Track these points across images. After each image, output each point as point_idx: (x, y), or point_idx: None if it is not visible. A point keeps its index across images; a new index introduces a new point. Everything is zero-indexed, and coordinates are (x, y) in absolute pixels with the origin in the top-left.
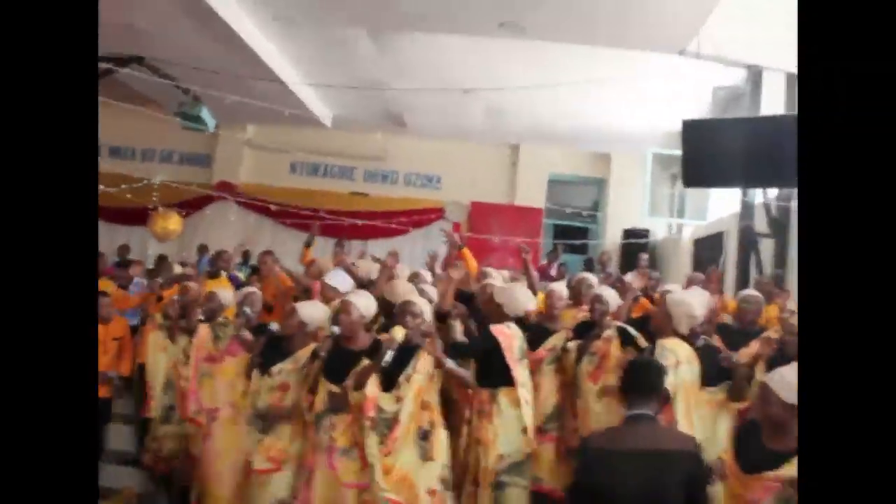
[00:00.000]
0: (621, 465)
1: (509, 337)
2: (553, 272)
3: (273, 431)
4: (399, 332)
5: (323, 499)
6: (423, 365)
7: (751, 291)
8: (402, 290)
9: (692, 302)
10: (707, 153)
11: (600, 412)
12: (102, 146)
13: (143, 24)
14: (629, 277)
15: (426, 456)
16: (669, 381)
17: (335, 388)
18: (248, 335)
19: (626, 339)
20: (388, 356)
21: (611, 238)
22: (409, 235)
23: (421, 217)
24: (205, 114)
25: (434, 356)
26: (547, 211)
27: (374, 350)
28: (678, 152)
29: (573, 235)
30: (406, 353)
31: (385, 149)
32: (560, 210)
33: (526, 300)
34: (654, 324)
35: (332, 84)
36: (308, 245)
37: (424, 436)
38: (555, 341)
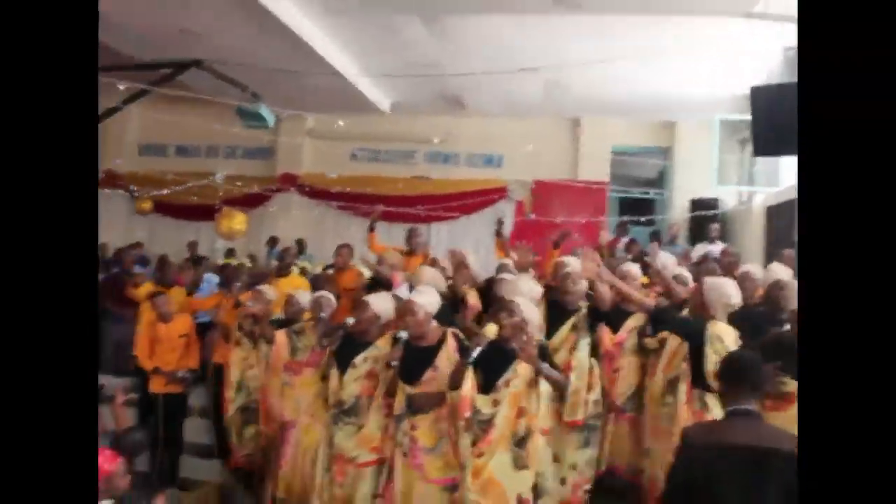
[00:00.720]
0: (722, 460)
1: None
2: (622, 247)
3: (367, 424)
4: (492, 329)
5: (404, 495)
6: (523, 370)
7: None
8: (430, 277)
9: (728, 289)
10: (778, 119)
11: (670, 402)
12: (169, 146)
13: (199, 27)
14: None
15: (520, 463)
16: (713, 367)
17: (412, 390)
18: (327, 340)
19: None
20: (476, 352)
21: (679, 209)
22: (473, 217)
23: (484, 198)
24: (264, 111)
25: (530, 362)
26: (612, 184)
27: (443, 343)
28: (746, 117)
29: (640, 208)
30: (506, 356)
31: (445, 130)
32: (625, 182)
33: (530, 291)
34: (693, 310)
35: (388, 73)
36: (372, 229)
37: (520, 443)
38: (633, 323)
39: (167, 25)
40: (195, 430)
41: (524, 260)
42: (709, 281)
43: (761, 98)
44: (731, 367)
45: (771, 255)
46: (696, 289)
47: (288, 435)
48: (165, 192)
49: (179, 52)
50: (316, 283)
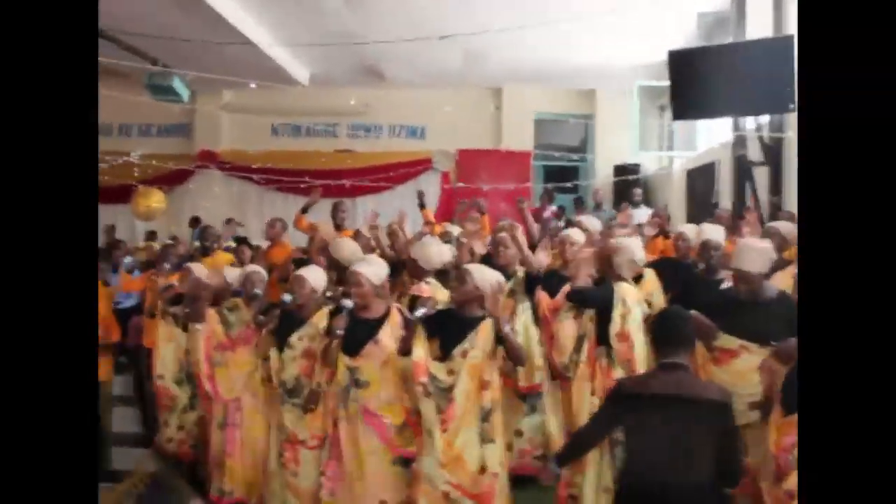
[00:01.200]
0: (652, 409)
1: (427, 292)
2: (547, 214)
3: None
4: (442, 294)
5: (355, 471)
6: (481, 340)
7: (775, 223)
8: (350, 250)
9: (633, 247)
10: (695, 83)
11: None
12: None
13: None
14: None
15: (487, 437)
16: (618, 328)
17: (352, 362)
18: (264, 319)
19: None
20: (421, 312)
21: (602, 175)
22: (399, 189)
23: (409, 169)
24: (177, 84)
25: (496, 319)
26: (535, 152)
27: (387, 317)
28: (665, 83)
29: (563, 175)
30: (462, 324)
31: (366, 102)
32: (549, 151)
33: (440, 253)
34: (601, 270)
35: (305, 43)
36: (304, 211)
37: (485, 416)
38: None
39: None
40: (121, 419)
41: (473, 230)
42: (614, 241)
43: (679, 62)
44: (662, 323)
45: (692, 217)
46: (602, 250)
47: (233, 418)
48: None
49: None
50: (242, 258)
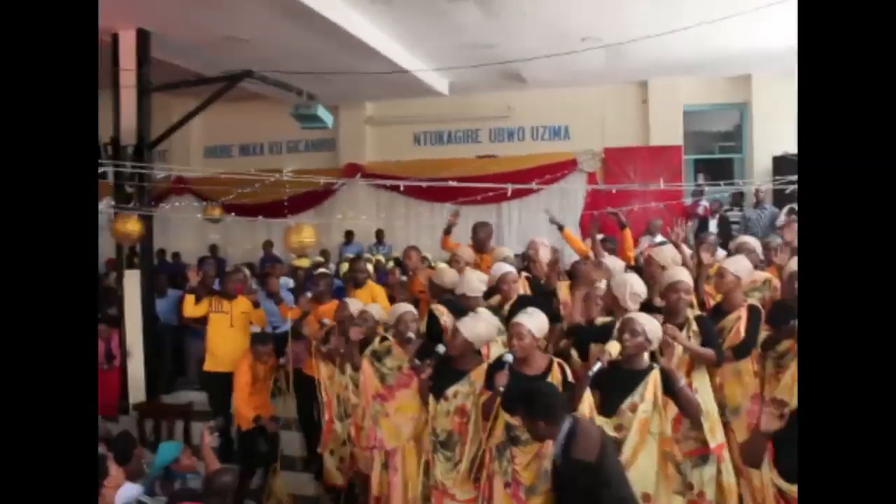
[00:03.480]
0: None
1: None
2: (700, 211)
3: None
4: (615, 347)
5: None
6: (650, 393)
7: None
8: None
9: (632, 280)
10: None
11: None
12: (232, 146)
13: (245, 33)
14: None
15: None
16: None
17: (513, 420)
18: (420, 365)
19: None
20: (596, 367)
21: (760, 168)
22: (544, 192)
23: (554, 172)
24: (321, 112)
25: (672, 373)
26: (686, 143)
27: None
28: None
29: (717, 168)
30: (631, 377)
31: (508, 106)
32: (700, 139)
33: (479, 282)
34: (606, 306)
35: (444, 60)
36: (448, 232)
37: None
38: (727, 325)
39: (214, 35)
40: (287, 441)
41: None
42: (615, 279)
43: None
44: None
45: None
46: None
47: (393, 461)
48: (232, 195)
49: (229, 58)
50: (389, 287)
